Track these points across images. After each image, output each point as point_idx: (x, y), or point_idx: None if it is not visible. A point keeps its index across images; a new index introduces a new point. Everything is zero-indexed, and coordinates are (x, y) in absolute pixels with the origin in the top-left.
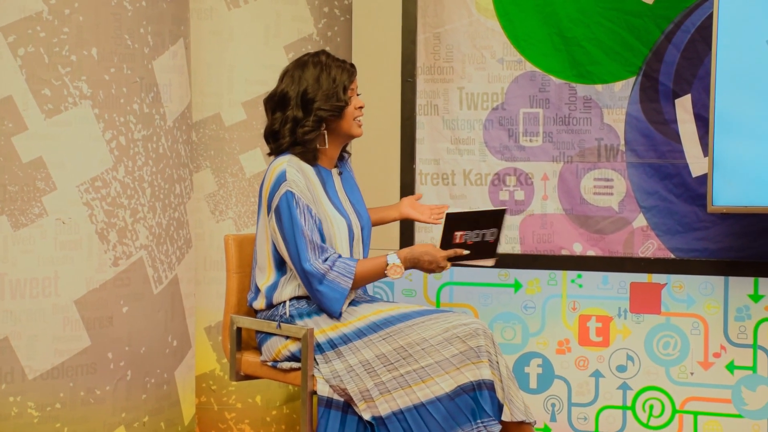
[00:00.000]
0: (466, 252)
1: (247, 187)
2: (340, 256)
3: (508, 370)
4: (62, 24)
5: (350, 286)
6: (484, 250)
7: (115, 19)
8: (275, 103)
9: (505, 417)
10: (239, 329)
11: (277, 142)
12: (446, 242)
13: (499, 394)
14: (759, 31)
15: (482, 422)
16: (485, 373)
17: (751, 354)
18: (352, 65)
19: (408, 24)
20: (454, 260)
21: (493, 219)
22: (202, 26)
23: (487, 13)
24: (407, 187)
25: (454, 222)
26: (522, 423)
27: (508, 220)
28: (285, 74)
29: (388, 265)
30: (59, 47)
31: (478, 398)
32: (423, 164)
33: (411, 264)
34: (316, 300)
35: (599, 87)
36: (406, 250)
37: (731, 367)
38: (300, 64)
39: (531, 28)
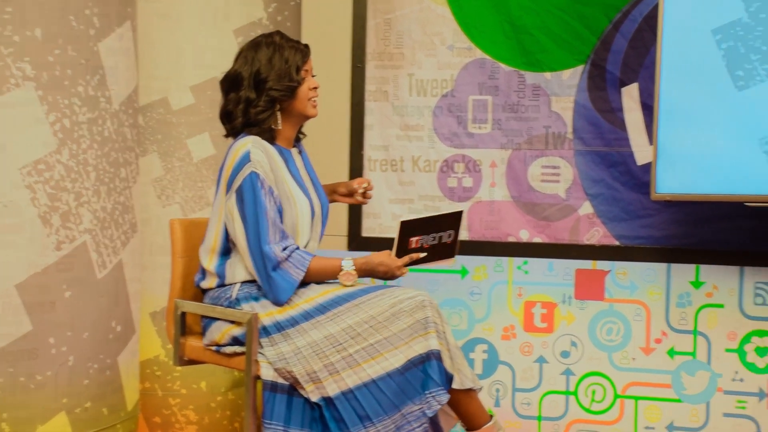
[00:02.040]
0: (422, 255)
1: (195, 172)
2: (297, 248)
3: (454, 340)
4: (5, 3)
5: (301, 278)
6: (442, 251)
7: (60, 0)
8: (229, 83)
9: (456, 385)
10: (183, 314)
11: (231, 123)
12: (401, 249)
13: (447, 364)
14: (704, 21)
15: (431, 393)
16: (433, 344)
17: (691, 340)
18: (306, 46)
19: (358, 9)
20: (412, 264)
21: (450, 221)
22: (150, 8)
23: None
24: (356, 173)
25: (409, 229)
26: (470, 390)
27: (457, 207)
28: (239, 55)
29: (342, 270)
30: (1, 27)
31: (427, 369)
32: (372, 150)
33: (365, 273)
34: (264, 285)
35: (548, 75)
36: (363, 260)
37: (672, 352)
38: (253, 45)
39: (481, 16)
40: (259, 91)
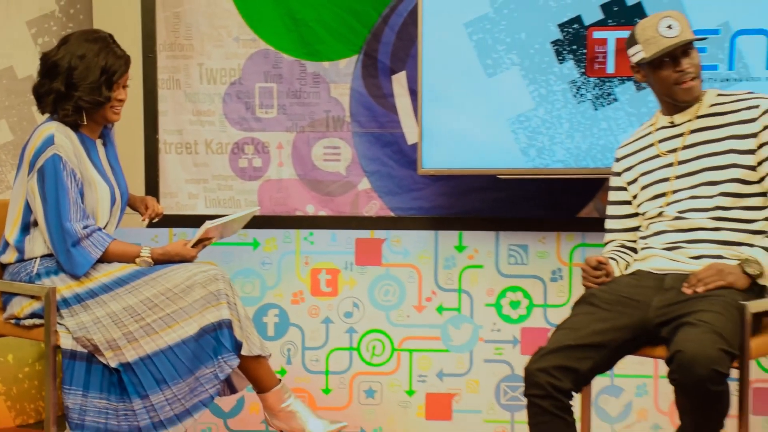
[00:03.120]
0: (214, 240)
1: None
2: (99, 228)
3: (244, 311)
4: None
5: (98, 257)
6: (227, 233)
7: None
8: (46, 67)
9: (245, 352)
10: None
11: (40, 104)
12: (199, 241)
13: (237, 333)
14: (457, 16)
15: (222, 358)
16: (224, 314)
17: (456, 297)
18: (128, 60)
19: (147, 3)
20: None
21: (245, 217)
22: None
23: None
24: (151, 157)
25: (212, 230)
26: (259, 357)
27: (249, 185)
28: (66, 42)
29: (140, 256)
30: None
31: (219, 337)
32: (167, 135)
33: (162, 261)
34: (62, 259)
35: (326, 64)
36: (161, 250)
37: (440, 309)
38: (82, 40)
39: (263, 10)
40: (69, 95)
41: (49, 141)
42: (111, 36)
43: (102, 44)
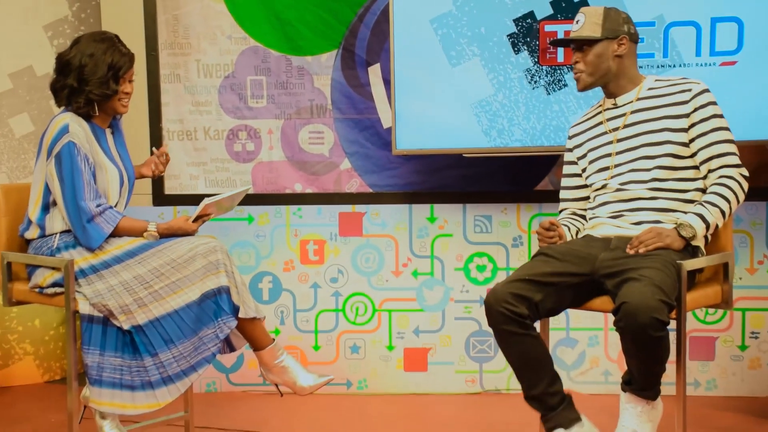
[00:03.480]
0: (212, 216)
1: (18, 146)
2: (111, 207)
3: (241, 278)
4: None
5: (110, 232)
6: (224, 210)
7: None
8: (61, 65)
9: (241, 314)
10: (9, 263)
11: (56, 98)
12: (199, 216)
13: (235, 298)
14: (423, 14)
15: (222, 320)
16: (223, 281)
17: (429, 263)
18: (132, 57)
19: (149, 7)
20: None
21: (239, 195)
22: None
23: None
24: (156, 142)
25: (210, 206)
26: (254, 319)
27: (243, 167)
28: (79, 42)
29: (147, 231)
30: None
31: (218, 301)
32: (169, 123)
33: (166, 235)
34: (79, 234)
35: (309, 58)
36: (165, 225)
37: (415, 273)
38: (90, 41)
39: (252, 11)
40: (80, 90)
41: (65, 130)
42: (117, 36)
43: (109, 44)
